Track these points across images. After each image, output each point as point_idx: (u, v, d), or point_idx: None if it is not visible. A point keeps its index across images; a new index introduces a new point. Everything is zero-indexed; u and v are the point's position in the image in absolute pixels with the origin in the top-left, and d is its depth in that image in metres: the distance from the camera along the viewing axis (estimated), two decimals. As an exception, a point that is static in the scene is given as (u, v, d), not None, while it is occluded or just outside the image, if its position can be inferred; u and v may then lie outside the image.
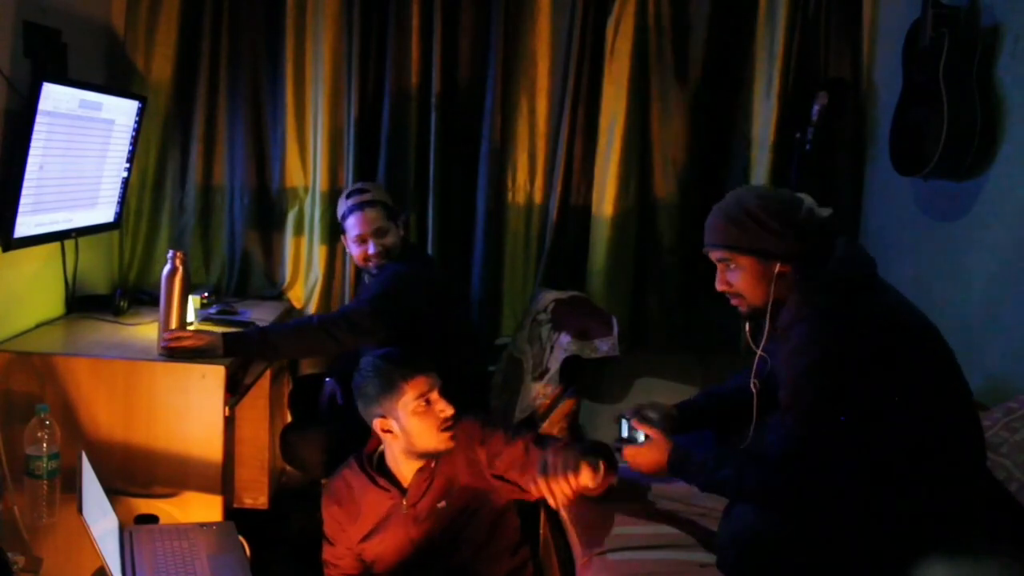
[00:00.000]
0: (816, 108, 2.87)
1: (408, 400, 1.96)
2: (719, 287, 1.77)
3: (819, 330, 1.63)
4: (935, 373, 1.65)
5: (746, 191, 1.76)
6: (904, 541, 1.59)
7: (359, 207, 2.59)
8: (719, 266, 1.77)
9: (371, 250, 2.58)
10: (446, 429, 1.99)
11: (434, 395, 1.99)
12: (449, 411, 1.99)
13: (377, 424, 2.01)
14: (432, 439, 1.98)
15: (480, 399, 2.77)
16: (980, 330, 2.36)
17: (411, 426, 1.97)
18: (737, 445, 1.87)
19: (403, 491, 2.03)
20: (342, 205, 2.66)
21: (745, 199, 1.72)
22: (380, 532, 2.04)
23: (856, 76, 3.07)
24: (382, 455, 2.09)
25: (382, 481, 2.04)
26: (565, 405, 2.62)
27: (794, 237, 1.68)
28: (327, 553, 2.13)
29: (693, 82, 3.10)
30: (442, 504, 2.00)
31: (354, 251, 2.64)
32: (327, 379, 2.73)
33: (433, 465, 2.02)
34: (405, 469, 2.04)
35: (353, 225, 2.60)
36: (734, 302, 1.78)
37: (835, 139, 3.01)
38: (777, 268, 1.69)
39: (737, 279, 1.74)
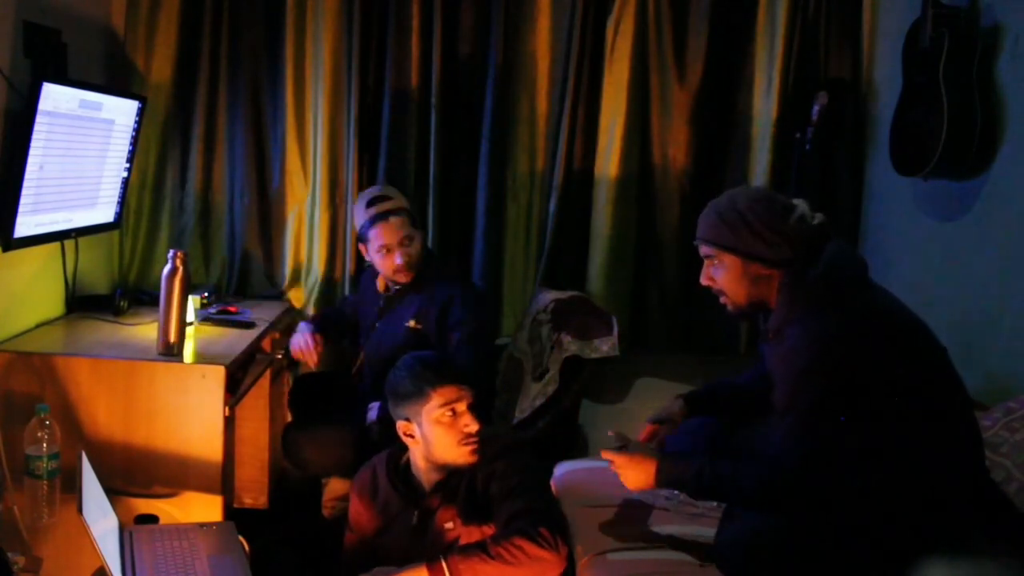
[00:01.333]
0: (816, 108, 2.87)
1: (433, 407, 1.90)
2: (703, 281, 1.80)
3: (813, 329, 1.64)
4: (930, 372, 1.65)
5: (742, 192, 1.78)
6: (904, 541, 1.59)
7: (383, 216, 2.47)
8: (705, 261, 1.80)
9: (398, 260, 2.47)
10: (468, 444, 1.91)
11: (461, 407, 1.92)
12: (474, 427, 1.91)
13: (400, 427, 1.97)
14: (451, 452, 1.92)
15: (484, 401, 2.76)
16: (980, 330, 2.35)
17: (432, 435, 1.91)
18: (746, 436, 1.87)
19: (418, 503, 1.99)
20: (362, 214, 2.52)
21: (739, 200, 1.74)
22: (388, 534, 2.03)
23: (856, 76, 3.07)
24: (410, 458, 2.05)
25: (401, 486, 2.02)
26: (565, 405, 2.62)
27: (781, 244, 1.70)
28: (345, 539, 2.13)
29: (693, 82, 3.09)
30: (449, 525, 1.94)
31: (378, 261, 2.52)
32: (372, 403, 2.51)
33: (451, 482, 1.95)
34: (425, 479, 1.99)
35: (377, 236, 2.48)
36: (721, 299, 1.81)
37: (835, 139, 3.01)
38: (759, 271, 1.72)
39: (720, 276, 1.77)
